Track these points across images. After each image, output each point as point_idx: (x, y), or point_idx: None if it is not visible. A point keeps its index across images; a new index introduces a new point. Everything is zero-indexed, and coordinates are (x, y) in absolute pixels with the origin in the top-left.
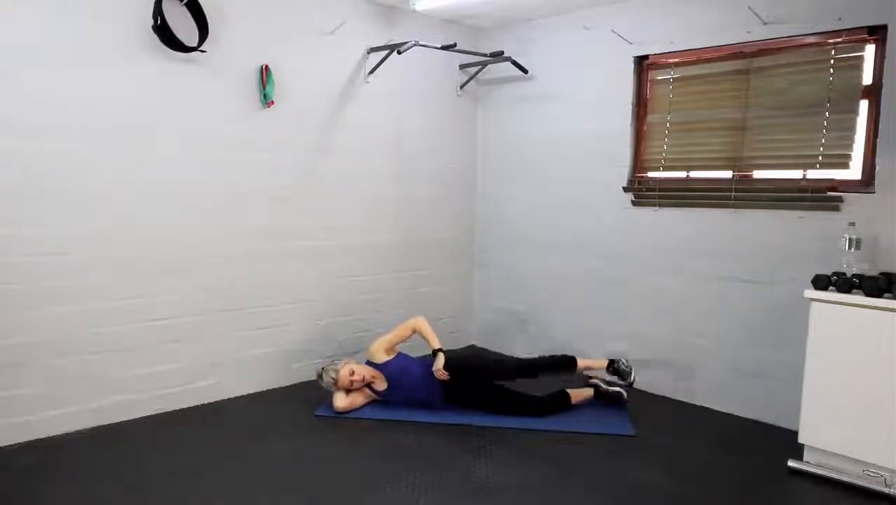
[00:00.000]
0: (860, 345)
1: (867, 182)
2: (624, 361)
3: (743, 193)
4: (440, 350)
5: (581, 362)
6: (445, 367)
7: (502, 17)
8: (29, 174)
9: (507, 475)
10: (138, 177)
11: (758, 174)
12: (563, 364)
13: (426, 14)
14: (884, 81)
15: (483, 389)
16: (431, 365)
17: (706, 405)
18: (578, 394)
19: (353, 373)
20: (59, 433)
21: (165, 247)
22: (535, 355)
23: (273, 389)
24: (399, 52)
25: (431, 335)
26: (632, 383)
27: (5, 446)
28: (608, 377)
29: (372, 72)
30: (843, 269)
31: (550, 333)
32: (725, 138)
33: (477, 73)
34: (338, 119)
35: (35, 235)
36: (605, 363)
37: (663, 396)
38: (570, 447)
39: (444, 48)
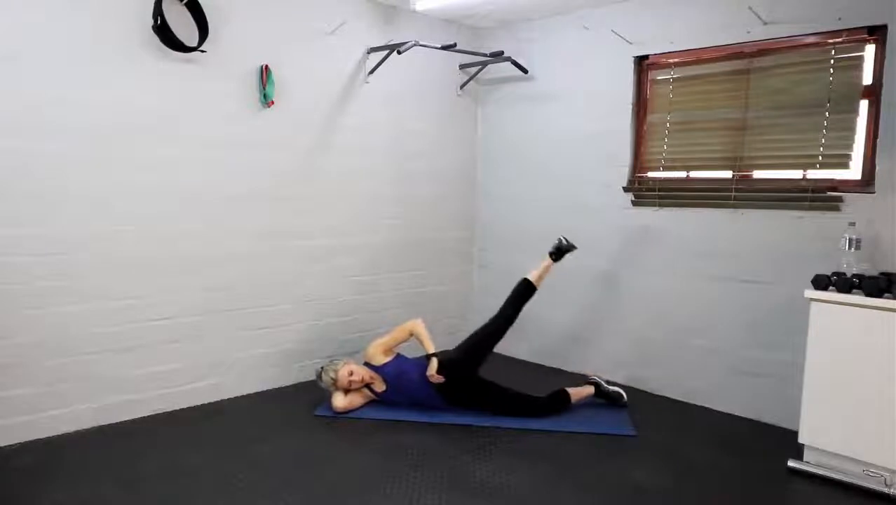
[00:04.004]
0: (860, 345)
1: (867, 182)
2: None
3: (743, 193)
4: (433, 355)
5: (573, 395)
6: (440, 370)
7: (502, 17)
8: (29, 174)
9: (507, 475)
10: (138, 177)
11: (758, 174)
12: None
13: (426, 14)
14: (884, 81)
15: (482, 390)
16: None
17: (706, 405)
18: (578, 393)
19: (352, 373)
20: (59, 433)
21: (165, 247)
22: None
23: (273, 389)
24: (399, 52)
25: (427, 339)
26: (625, 404)
27: (5, 446)
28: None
29: (372, 72)
30: (843, 269)
31: (549, 333)
32: (725, 138)
33: (477, 73)
34: (338, 119)
35: (35, 235)
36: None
37: (663, 396)
38: (570, 447)
39: (444, 48)
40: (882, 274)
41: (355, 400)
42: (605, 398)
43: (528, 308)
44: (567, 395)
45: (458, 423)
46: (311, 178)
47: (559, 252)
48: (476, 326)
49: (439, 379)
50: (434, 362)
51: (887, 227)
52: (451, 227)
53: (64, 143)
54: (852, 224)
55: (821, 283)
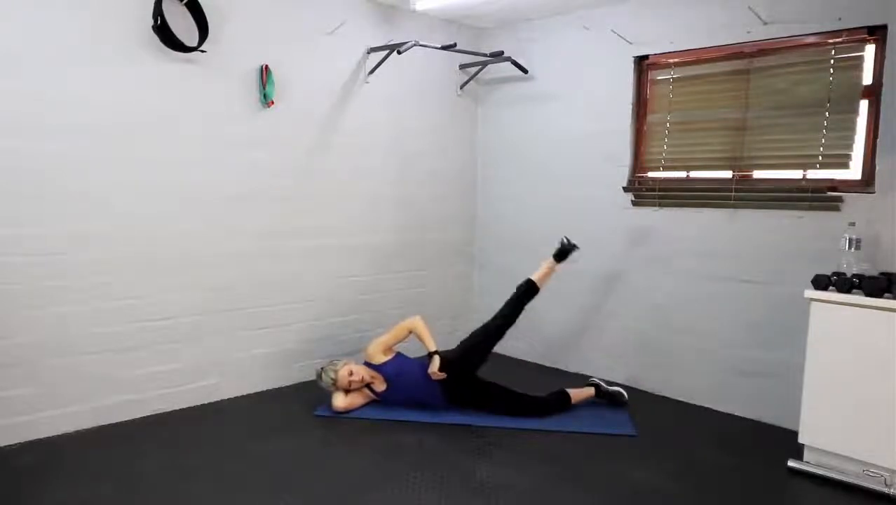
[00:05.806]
0: (860, 345)
1: (867, 182)
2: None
3: (743, 193)
4: (435, 352)
5: (574, 396)
6: (442, 368)
7: (502, 17)
8: (29, 174)
9: (507, 475)
10: (138, 177)
11: (758, 174)
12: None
13: (426, 14)
14: (884, 81)
15: (483, 390)
16: (428, 367)
17: (706, 405)
18: (578, 394)
19: (351, 373)
20: (59, 433)
21: (165, 247)
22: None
23: (273, 389)
24: (399, 52)
25: (427, 337)
26: (625, 403)
27: (5, 446)
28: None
29: (372, 72)
30: (843, 269)
31: (549, 334)
32: (725, 138)
33: (477, 73)
34: (338, 119)
35: (35, 235)
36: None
37: (663, 396)
38: (570, 447)
39: (444, 48)
40: (882, 274)
41: (356, 400)
42: (605, 399)
43: (528, 308)
44: (567, 395)
45: (458, 423)
46: (311, 178)
47: (562, 253)
48: (476, 325)
49: (441, 376)
50: (437, 360)
51: (887, 228)
52: (451, 227)
53: (64, 143)
54: (852, 224)
55: (821, 283)
